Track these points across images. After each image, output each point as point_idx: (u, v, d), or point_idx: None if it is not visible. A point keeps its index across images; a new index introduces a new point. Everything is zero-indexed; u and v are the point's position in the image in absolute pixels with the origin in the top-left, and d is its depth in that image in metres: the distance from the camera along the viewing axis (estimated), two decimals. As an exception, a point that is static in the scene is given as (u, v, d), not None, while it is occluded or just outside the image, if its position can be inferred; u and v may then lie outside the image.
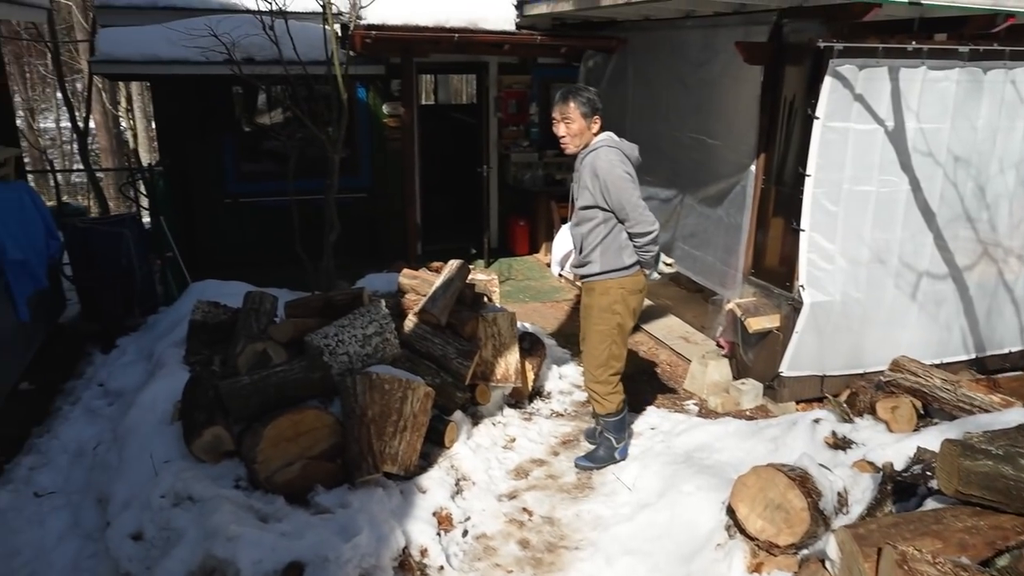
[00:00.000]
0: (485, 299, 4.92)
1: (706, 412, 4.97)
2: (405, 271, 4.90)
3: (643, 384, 5.39)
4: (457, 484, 3.68)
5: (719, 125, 5.50)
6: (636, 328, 6.57)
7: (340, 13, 6.37)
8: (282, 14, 5.83)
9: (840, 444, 3.23)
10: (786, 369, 4.86)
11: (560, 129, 3.61)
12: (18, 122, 22.02)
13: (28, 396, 5.03)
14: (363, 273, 5.79)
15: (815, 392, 5.05)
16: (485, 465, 3.89)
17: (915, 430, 3.18)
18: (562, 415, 4.74)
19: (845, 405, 3.55)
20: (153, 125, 12.30)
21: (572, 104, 3.53)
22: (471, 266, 4.86)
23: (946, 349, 5.12)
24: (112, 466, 3.52)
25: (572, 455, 4.18)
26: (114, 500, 3.20)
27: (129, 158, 14.36)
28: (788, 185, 4.85)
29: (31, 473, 3.87)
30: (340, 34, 6.12)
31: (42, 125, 24.79)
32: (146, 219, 7.45)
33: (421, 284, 4.70)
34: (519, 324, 4.92)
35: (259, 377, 3.53)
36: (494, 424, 4.41)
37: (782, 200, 4.94)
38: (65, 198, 16.66)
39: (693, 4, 5.25)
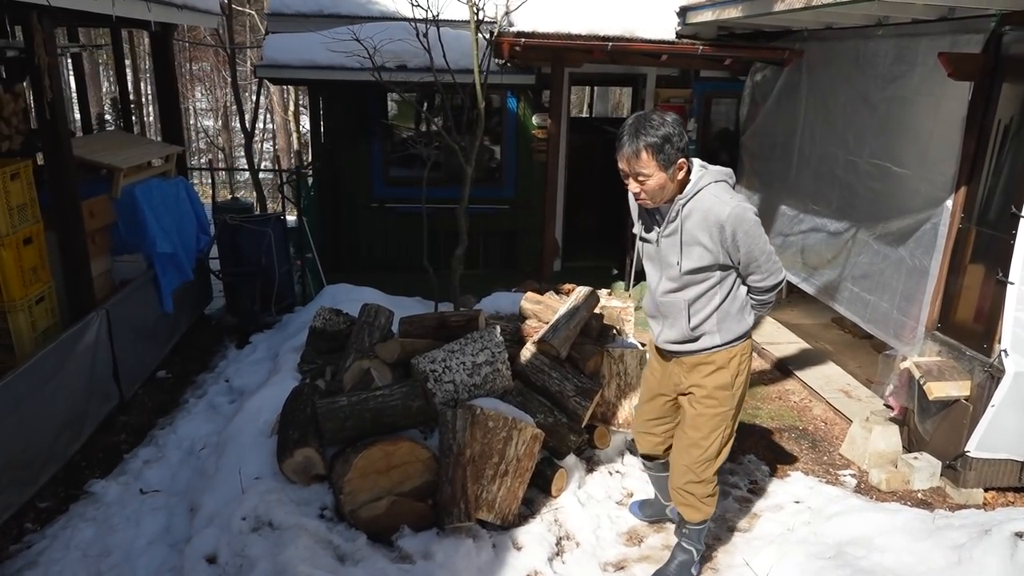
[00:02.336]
0: (614, 331, 4.47)
1: (866, 487, 4.20)
2: (528, 295, 4.55)
3: (790, 442, 4.69)
4: (558, 543, 3.26)
5: (908, 150, 4.69)
6: (788, 373, 5.82)
7: (491, 21, 6.17)
8: (436, 22, 5.72)
9: (1054, 574, 2.47)
10: (974, 449, 3.99)
11: (632, 186, 2.67)
12: (210, 123, 24.28)
13: (163, 384, 5.22)
14: (497, 288, 5.54)
15: (1011, 480, 4.12)
16: (594, 523, 3.43)
17: None
18: (690, 471, 4.17)
19: (1062, 518, 2.75)
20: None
21: (645, 155, 2.55)
22: (610, 288, 4.44)
23: None
24: (208, 474, 3.44)
25: (697, 522, 3.62)
26: (200, 513, 3.10)
27: (286, 159, 15.25)
28: (995, 227, 3.99)
29: (144, 467, 3.92)
30: (488, 41, 5.92)
31: (235, 125, 27.29)
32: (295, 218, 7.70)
33: (544, 310, 4.33)
34: (650, 362, 4.42)
35: (357, 399, 3.31)
36: (611, 473, 3.95)
37: (985, 244, 4.08)
38: (241, 194, 18.13)
39: (887, 10, 4.49)
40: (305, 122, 18.50)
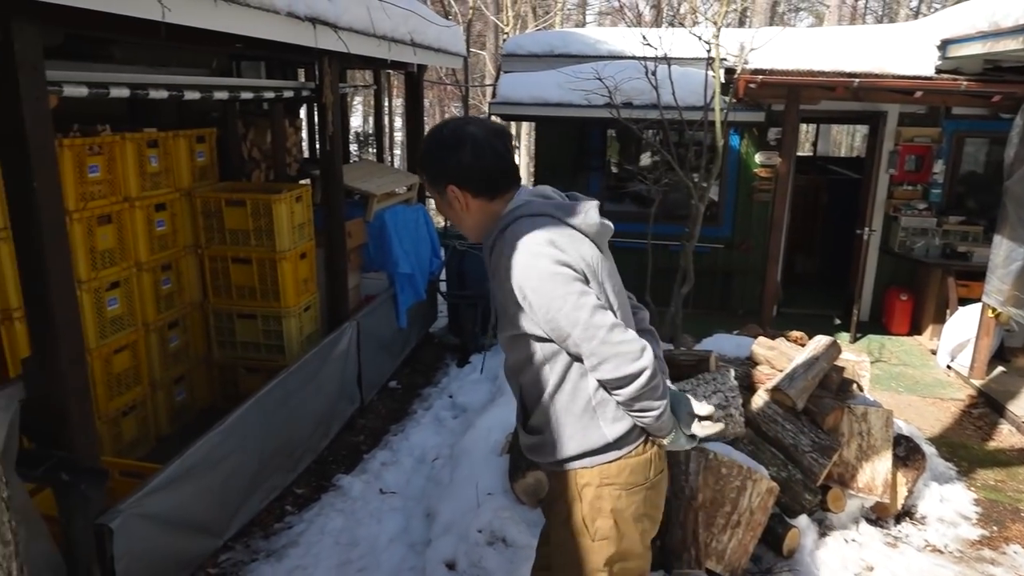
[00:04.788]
0: (854, 386, 4.15)
1: None
2: (760, 339, 4.37)
3: (1009, 481, 4.04)
4: (791, 608, 3.05)
5: None
6: (1000, 409, 5.02)
7: (724, 58, 6.09)
8: (666, 60, 5.76)
9: None
10: None
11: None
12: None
13: (394, 394, 5.65)
14: (710, 330, 5.37)
15: None
16: (829, 593, 3.18)
17: None
18: (941, 552, 3.73)
19: None
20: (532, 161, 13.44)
21: (421, 168, 2.00)
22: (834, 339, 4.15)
23: None
24: (443, 483, 3.66)
25: (951, 611, 3.23)
26: (438, 519, 3.29)
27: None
28: None
29: (381, 468, 4.25)
30: (724, 79, 5.85)
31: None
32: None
33: (778, 357, 4.13)
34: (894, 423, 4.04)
35: (589, 429, 3.35)
36: (846, 541, 3.63)
37: None
38: (455, 220, 19.37)
39: None
40: (516, 156, 19.40)
